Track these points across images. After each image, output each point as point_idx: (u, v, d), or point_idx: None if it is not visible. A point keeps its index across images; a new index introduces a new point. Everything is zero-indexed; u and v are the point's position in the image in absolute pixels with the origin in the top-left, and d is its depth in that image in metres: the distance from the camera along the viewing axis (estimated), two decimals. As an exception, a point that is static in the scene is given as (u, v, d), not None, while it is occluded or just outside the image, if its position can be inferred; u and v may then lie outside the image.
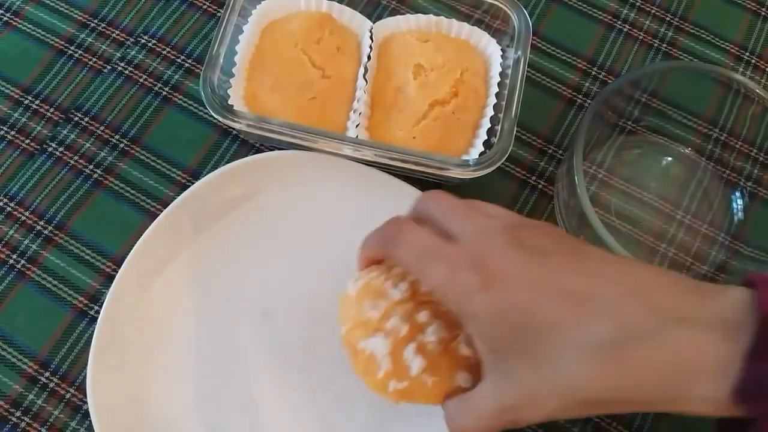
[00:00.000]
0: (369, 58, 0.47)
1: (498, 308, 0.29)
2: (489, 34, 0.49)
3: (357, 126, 0.45)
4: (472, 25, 0.49)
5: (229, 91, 0.45)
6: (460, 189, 0.46)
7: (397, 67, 0.47)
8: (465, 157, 0.45)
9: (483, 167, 0.42)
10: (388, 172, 0.45)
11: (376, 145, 0.43)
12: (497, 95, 0.46)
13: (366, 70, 0.47)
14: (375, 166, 0.45)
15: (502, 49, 0.48)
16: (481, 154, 0.45)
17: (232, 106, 0.43)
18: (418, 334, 0.35)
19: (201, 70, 0.50)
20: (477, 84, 0.47)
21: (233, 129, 0.43)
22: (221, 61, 0.44)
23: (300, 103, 0.45)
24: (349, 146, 0.43)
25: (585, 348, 0.28)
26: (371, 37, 0.48)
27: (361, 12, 0.49)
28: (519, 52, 0.46)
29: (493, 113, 0.46)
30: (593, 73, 0.52)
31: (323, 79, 0.46)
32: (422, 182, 0.45)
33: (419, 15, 0.49)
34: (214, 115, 0.43)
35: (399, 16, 0.49)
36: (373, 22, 0.49)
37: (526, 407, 0.29)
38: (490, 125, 0.45)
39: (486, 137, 0.45)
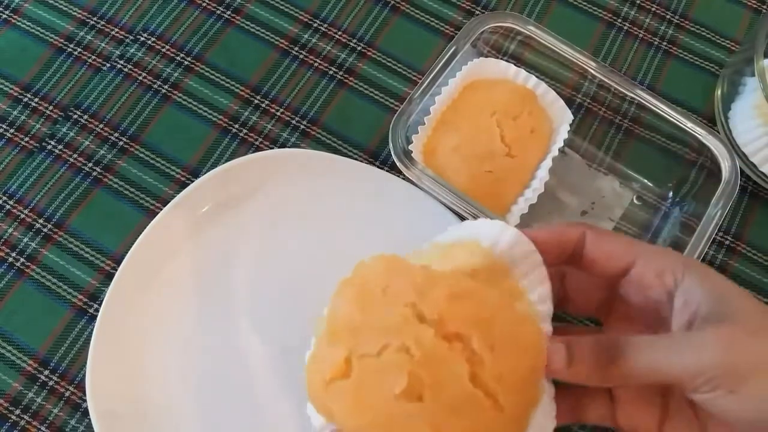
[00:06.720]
0: (559, 151, 0.45)
1: None
2: (695, 170, 0.46)
3: (522, 214, 0.44)
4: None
5: (413, 137, 0.44)
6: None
7: None
8: None
9: None
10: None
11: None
12: None
13: (552, 163, 0.45)
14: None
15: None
16: None
17: (411, 152, 0.43)
18: None
19: (200, 67, 0.50)
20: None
21: (406, 175, 0.44)
22: (419, 107, 0.44)
23: (475, 172, 0.44)
24: None
25: None
26: (568, 132, 0.46)
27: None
28: (718, 207, 0.42)
29: None
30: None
31: (507, 157, 0.44)
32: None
33: None
34: (393, 157, 0.43)
35: None
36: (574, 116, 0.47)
37: None
38: None
39: None
